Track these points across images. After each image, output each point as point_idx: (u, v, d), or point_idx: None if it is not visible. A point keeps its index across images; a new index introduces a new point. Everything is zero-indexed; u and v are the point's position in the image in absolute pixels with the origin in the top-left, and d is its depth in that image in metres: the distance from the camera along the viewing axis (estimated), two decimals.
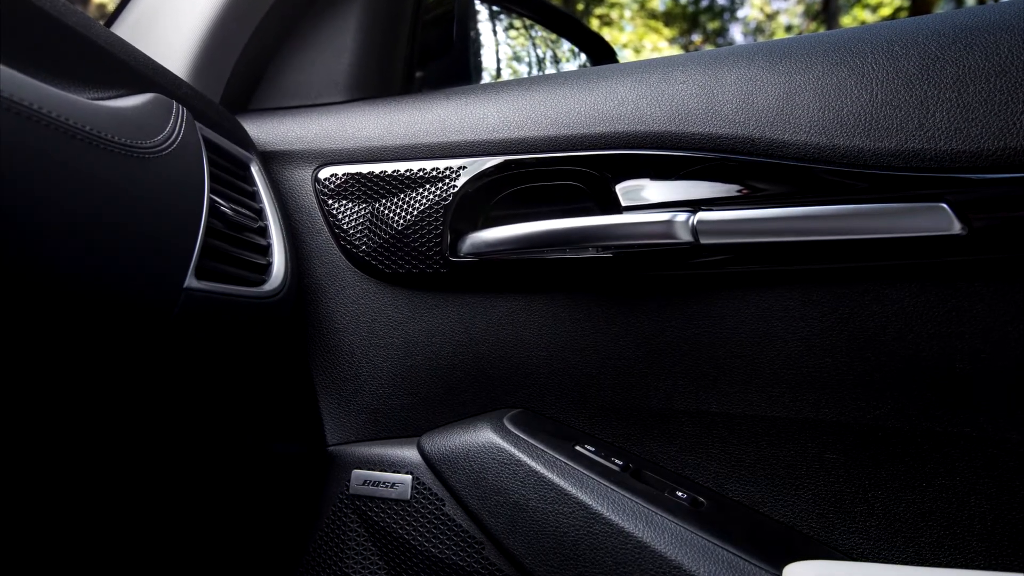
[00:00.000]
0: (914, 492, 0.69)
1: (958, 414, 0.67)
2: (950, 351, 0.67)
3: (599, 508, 0.74)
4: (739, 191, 0.73)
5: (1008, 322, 0.65)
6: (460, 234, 0.85)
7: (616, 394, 0.81)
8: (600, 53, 1.84)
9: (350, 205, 0.90)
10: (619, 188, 0.78)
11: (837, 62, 0.71)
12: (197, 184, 0.67)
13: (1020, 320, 0.65)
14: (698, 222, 0.72)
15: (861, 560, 0.71)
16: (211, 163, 0.72)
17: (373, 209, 0.89)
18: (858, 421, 0.71)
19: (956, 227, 0.63)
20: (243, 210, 0.77)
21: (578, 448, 0.79)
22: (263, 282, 0.77)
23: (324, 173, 0.93)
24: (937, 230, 0.64)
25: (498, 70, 1.70)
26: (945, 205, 0.64)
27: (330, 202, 0.92)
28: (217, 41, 1.00)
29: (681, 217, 0.72)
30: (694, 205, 0.74)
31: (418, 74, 1.21)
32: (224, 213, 0.71)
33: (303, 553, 0.89)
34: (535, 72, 1.87)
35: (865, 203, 0.67)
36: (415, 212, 0.87)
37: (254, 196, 0.84)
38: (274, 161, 0.95)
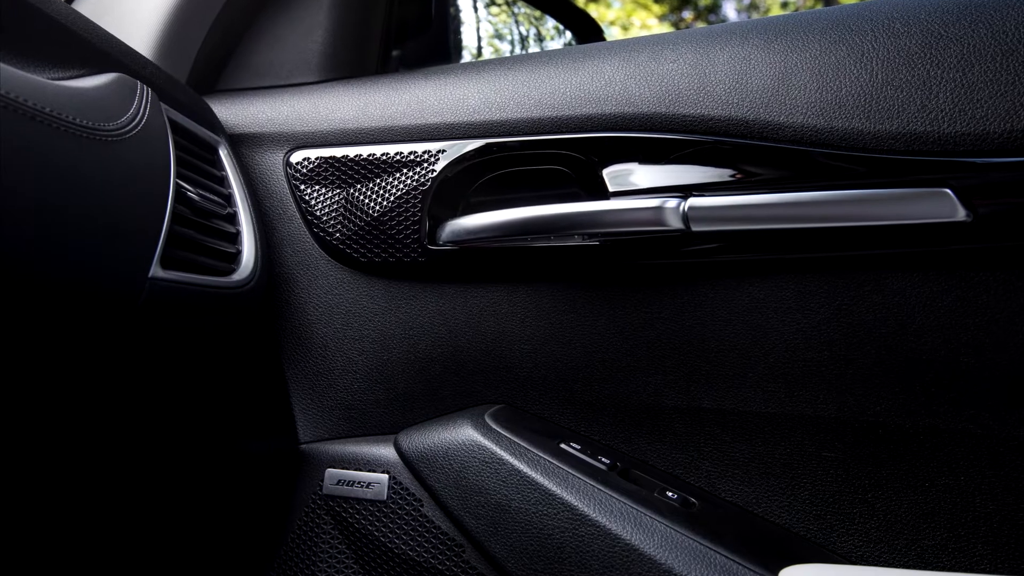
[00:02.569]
0: (916, 492, 0.69)
1: (962, 410, 0.67)
2: (954, 344, 0.67)
3: (585, 509, 0.73)
4: (732, 176, 0.72)
5: (1014, 314, 0.65)
6: (439, 221, 0.84)
7: (603, 389, 0.80)
8: (586, 31, 1.84)
9: (323, 190, 0.89)
10: (606, 173, 0.77)
11: (835, 40, 0.70)
12: (162, 168, 0.66)
13: None
14: (689, 208, 0.71)
15: (860, 563, 0.71)
16: (177, 146, 0.71)
17: (347, 195, 0.88)
18: (857, 418, 0.71)
19: (960, 213, 0.63)
20: (211, 196, 0.76)
21: (563, 446, 0.79)
22: (232, 271, 0.76)
23: (296, 157, 0.91)
24: (940, 216, 0.63)
25: (479, 49, 1.71)
26: (948, 190, 0.63)
27: (302, 187, 0.90)
28: (184, 18, 0.98)
29: (671, 203, 0.71)
30: (685, 190, 0.73)
31: (395, 53, 1.21)
32: (191, 199, 0.70)
33: (274, 556, 0.88)
34: (518, 51, 1.86)
35: (864, 188, 0.66)
36: (392, 198, 0.86)
37: (222, 181, 0.83)
38: (244, 144, 0.94)
